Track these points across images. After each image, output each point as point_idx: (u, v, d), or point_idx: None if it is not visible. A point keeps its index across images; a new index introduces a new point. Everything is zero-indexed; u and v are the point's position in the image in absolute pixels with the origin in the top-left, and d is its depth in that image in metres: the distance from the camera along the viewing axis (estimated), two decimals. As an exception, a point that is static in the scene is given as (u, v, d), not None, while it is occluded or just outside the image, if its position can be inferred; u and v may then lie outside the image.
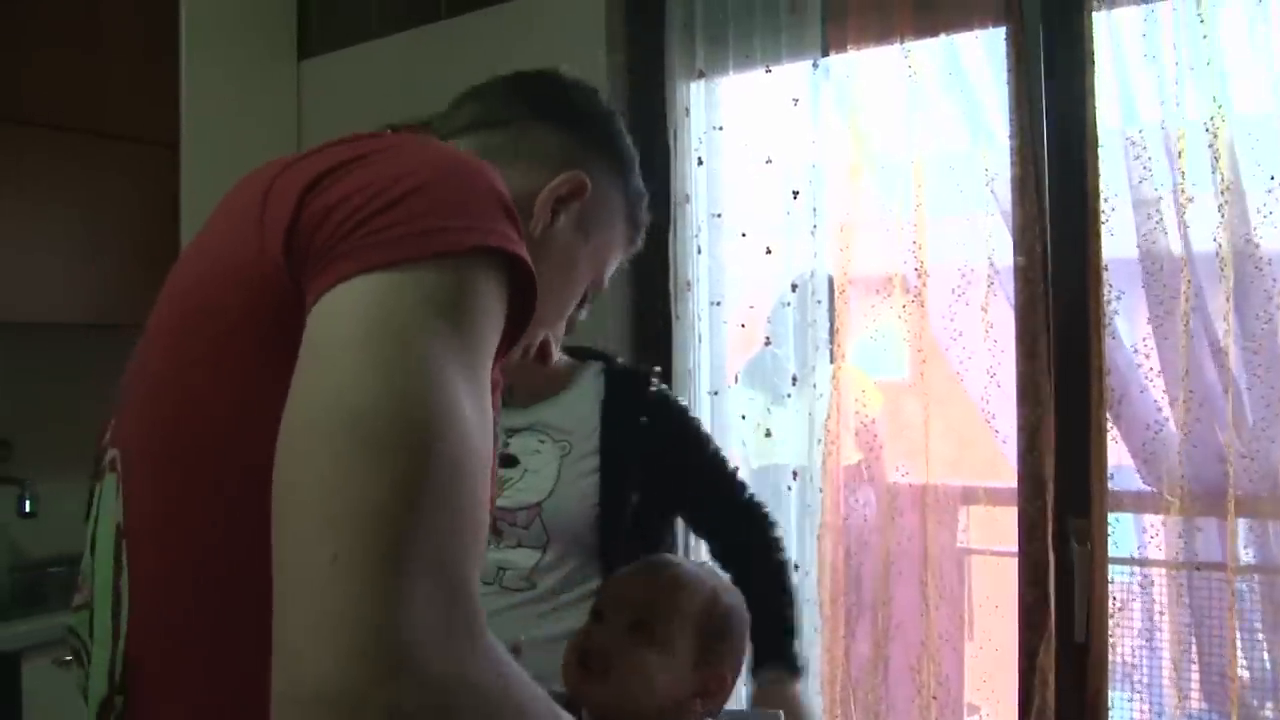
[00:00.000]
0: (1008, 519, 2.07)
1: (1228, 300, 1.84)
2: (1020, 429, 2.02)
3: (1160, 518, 1.95)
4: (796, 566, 2.26)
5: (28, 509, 2.61)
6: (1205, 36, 1.84)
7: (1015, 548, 2.05)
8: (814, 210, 2.25)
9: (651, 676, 1.26)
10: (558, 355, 1.09)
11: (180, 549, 0.73)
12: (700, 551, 2.02)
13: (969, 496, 2.20)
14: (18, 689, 2.15)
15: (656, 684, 1.27)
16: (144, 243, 2.66)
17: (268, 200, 0.73)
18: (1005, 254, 2.07)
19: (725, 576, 1.37)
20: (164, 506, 0.73)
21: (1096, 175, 1.93)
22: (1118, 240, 1.94)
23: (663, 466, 1.63)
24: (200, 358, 0.73)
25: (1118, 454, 1.98)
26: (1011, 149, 2.04)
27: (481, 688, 0.59)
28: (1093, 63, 1.93)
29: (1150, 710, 1.97)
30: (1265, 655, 1.85)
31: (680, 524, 2.38)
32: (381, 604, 0.56)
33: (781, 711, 1.41)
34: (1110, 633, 1.96)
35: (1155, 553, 1.98)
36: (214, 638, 0.72)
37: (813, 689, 2.24)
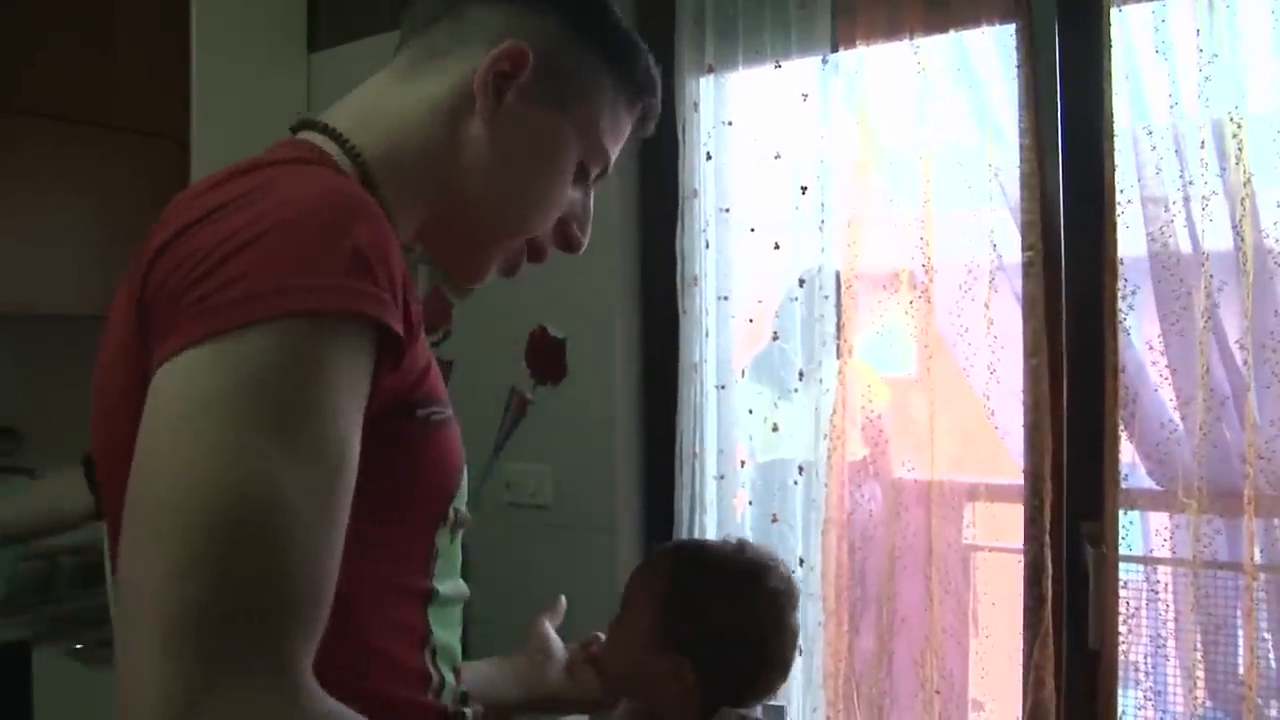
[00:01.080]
0: (1015, 516, 2.07)
1: (1248, 298, 1.83)
2: (1024, 426, 2.02)
3: (1171, 518, 1.94)
4: (802, 561, 2.27)
5: (37, 499, 2.63)
6: (1221, 32, 1.83)
7: (1021, 545, 2.05)
8: (822, 205, 2.25)
9: (612, 648, 1.33)
10: (585, 240, 1.04)
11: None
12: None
13: (975, 493, 2.20)
14: (28, 677, 2.16)
15: (615, 655, 1.33)
16: (154, 234, 2.66)
17: (139, 260, 0.75)
18: (1013, 250, 2.07)
19: (760, 560, 1.38)
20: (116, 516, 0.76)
21: (1113, 169, 1.92)
22: (1128, 238, 1.94)
23: None
24: (111, 429, 0.78)
25: (1126, 453, 1.97)
26: (1021, 145, 2.04)
27: None
28: (1110, 55, 1.92)
29: (1161, 713, 1.96)
30: (1271, 655, 1.85)
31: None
32: (174, 695, 0.58)
33: (785, 704, 1.41)
34: (1123, 636, 1.96)
35: (1165, 553, 1.97)
36: None
37: (816, 683, 2.25)
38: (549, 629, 1.34)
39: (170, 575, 0.60)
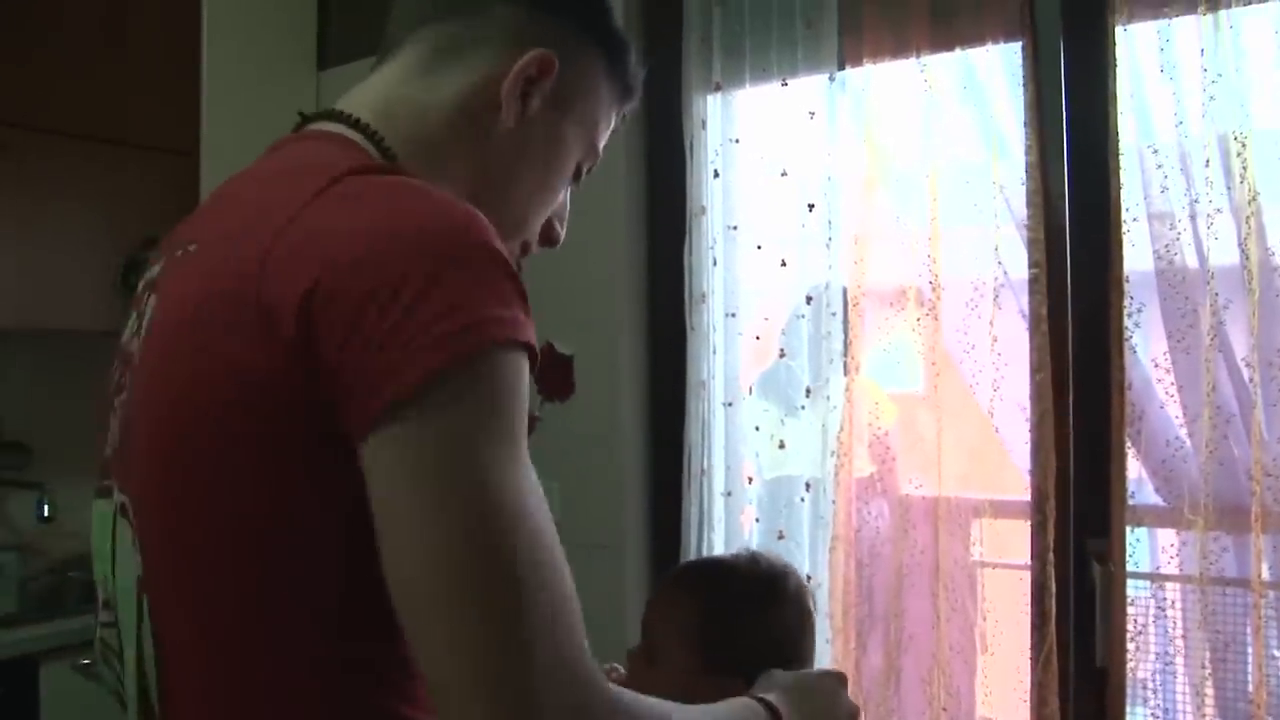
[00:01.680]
0: (1023, 532, 2.07)
1: (1254, 315, 1.83)
2: (1030, 443, 2.02)
3: (1178, 535, 1.94)
4: (809, 578, 2.27)
5: (46, 513, 2.64)
6: (1226, 51, 1.84)
7: (1028, 562, 2.05)
8: (829, 223, 2.26)
9: (649, 687, 1.30)
10: (563, 234, 1.04)
11: (195, 624, 0.75)
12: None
13: (982, 509, 2.20)
14: (36, 692, 2.16)
15: (657, 693, 1.30)
16: (164, 251, 2.68)
17: (264, 288, 0.69)
18: (1019, 267, 2.07)
19: (776, 566, 1.38)
20: (178, 578, 0.75)
21: (1118, 187, 1.93)
22: (1134, 255, 1.94)
23: None
24: (208, 450, 0.71)
25: (1133, 470, 1.97)
26: (1027, 162, 2.05)
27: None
28: (1114, 73, 1.93)
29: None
30: (1281, 673, 1.84)
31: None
32: (519, 708, 0.63)
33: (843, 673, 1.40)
34: (1130, 654, 1.95)
35: (1172, 570, 1.97)
36: (236, 703, 0.74)
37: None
38: None
39: (472, 626, 0.63)
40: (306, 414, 0.69)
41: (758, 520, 2.41)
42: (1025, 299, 2.05)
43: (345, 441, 0.68)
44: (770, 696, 0.95)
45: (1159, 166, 1.91)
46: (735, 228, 2.41)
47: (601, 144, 1.00)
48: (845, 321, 2.25)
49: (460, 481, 0.65)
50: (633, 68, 1.00)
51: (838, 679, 1.10)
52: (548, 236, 1.01)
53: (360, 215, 0.71)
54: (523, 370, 0.69)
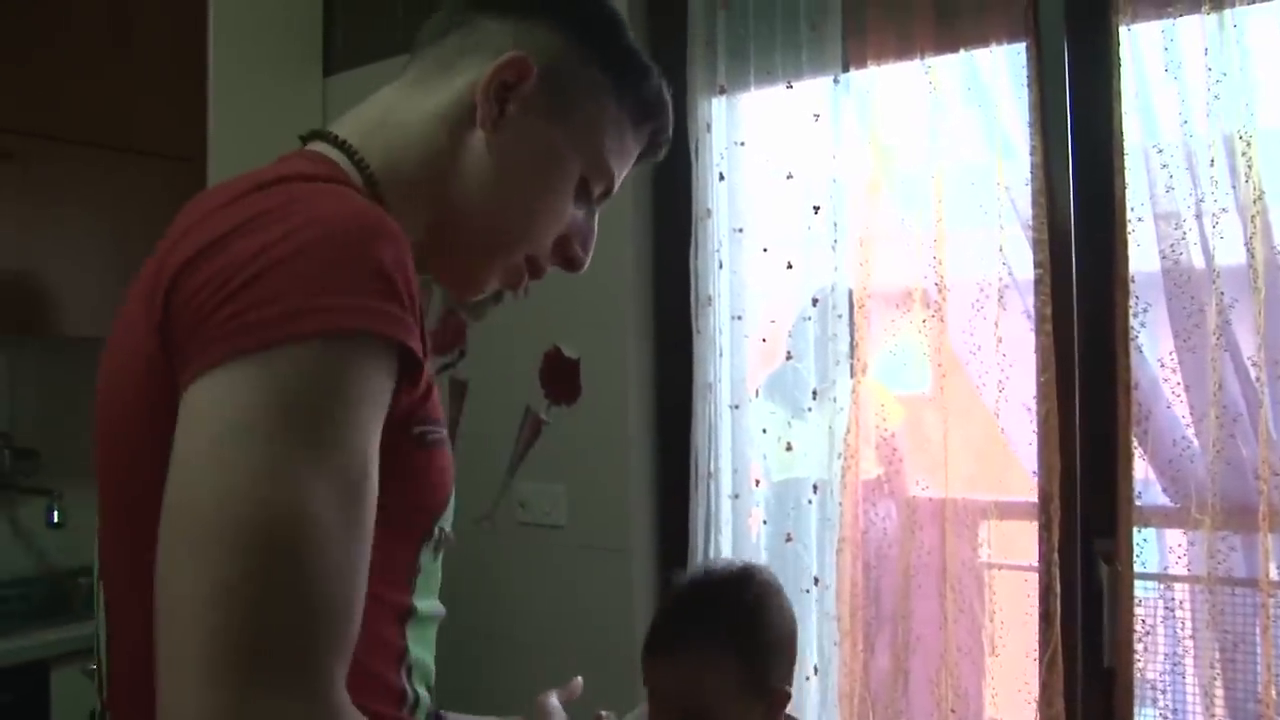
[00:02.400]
0: (1031, 533, 2.07)
1: (1260, 314, 1.83)
2: (1036, 443, 2.02)
3: (1186, 535, 1.94)
4: (817, 580, 2.27)
5: (56, 519, 2.65)
6: (1231, 50, 1.84)
7: (1036, 564, 2.05)
8: (835, 225, 2.26)
9: None
10: (587, 259, 1.03)
11: (124, 604, 0.80)
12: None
13: (990, 511, 2.20)
14: (47, 696, 2.17)
15: None
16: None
17: (159, 275, 0.74)
18: (1025, 268, 2.07)
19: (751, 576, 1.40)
20: (116, 564, 0.81)
21: (1123, 187, 1.93)
22: (1139, 255, 1.94)
23: None
24: (120, 439, 0.78)
25: (1139, 470, 1.97)
26: (1032, 163, 2.05)
27: None
28: (1119, 72, 1.93)
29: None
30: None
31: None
32: (213, 706, 0.60)
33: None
34: (1137, 655, 1.95)
35: (1180, 570, 1.97)
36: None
37: (831, 703, 2.24)
38: (555, 704, 1.27)
39: (209, 598, 0.61)
40: (171, 395, 0.70)
41: (765, 522, 2.41)
42: (1031, 299, 2.05)
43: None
44: None
45: (1164, 166, 1.91)
46: (741, 230, 2.41)
47: (619, 166, 0.99)
48: (851, 323, 2.25)
49: (245, 455, 0.64)
50: (651, 87, 0.98)
51: None
52: (565, 256, 1.00)
53: (252, 207, 0.73)
54: (353, 362, 0.69)
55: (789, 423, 2.37)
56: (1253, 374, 1.85)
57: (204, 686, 0.60)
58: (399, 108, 0.92)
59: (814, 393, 2.30)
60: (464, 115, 0.90)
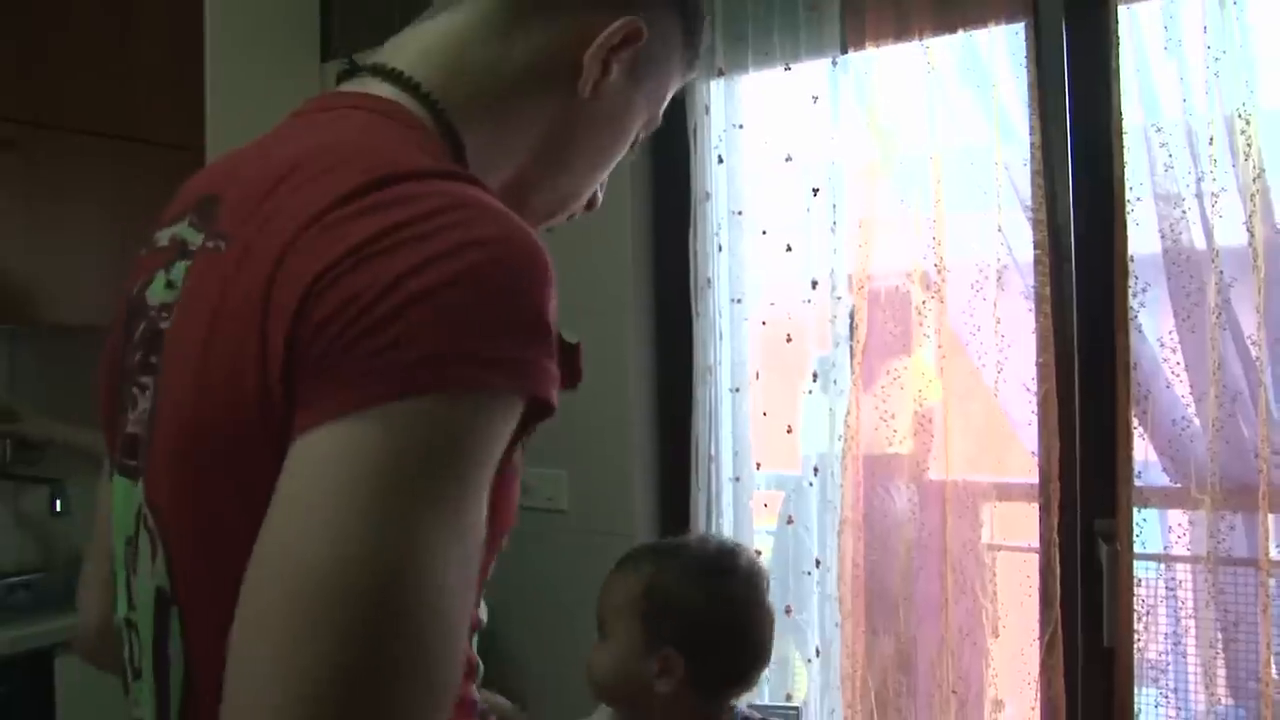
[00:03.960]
0: (1034, 515, 2.07)
1: (1260, 293, 1.83)
2: (1036, 424, 2.03)
3: (1187, 515, 1.95)
4: (819, 562, 2.27)
5: (59, 508, 2.65)
6: (1231, 28, 1.83)
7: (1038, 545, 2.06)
8: (834, 207, 2.26)
9: (600, 668, 1.36)
10: (601, 198, 0.97)
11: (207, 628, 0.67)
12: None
13: (991, 493, 2.20)
14: (51, 684, 2.18)
15: (606, 673, 1.36)
16: (171, 245, 2.69)
17: (275, 283, 0.62)
18: (1024, 248, 2.07)
19: (728, 546, 1.42)
20: (213, 592, 0.64)
21: (1122, 165, 1.93)
22: (1139, 235, 1.94)
23: None
24: (217, 462, 0.65)
25: (1140, 450, 1.97)
26: (1031, 143, 2.04)
27: None
28: (1118, 51, 1.93)
29: (1179, 712, 1.96)
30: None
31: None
32: None
33: (801, 704, 1.43)
34: (1137, 634, 1.95)
35: (1182, 550, 1.97)
36: None
37: (833, 684, 2.25)
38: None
39: (309, 674, 0.53)
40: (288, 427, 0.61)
41: (766, 505, 2.42)
42: (1030, 280, 2.05)
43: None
44: None
45: (1163, 145, 1.91)
46: (740, 213, 2.41)
47: (661, 111, 0.94)
48: (851, 305, 2.25)
49: (369, 516, 0.56)
50: (702, 38, 0.94)
51: None
52: (590, 204, 0.95)
53: (380, 218, 0.62)
54: (497, 420, 0.61)
55: (789, 405, 2.37)
56: (1253, 353, 1.85)
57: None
58: (478, 53, 0.80)
59: (814, 375, 2.30)
60: (563, 72, 0.82)
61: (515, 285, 0.62)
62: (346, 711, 0.53)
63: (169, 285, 0.73)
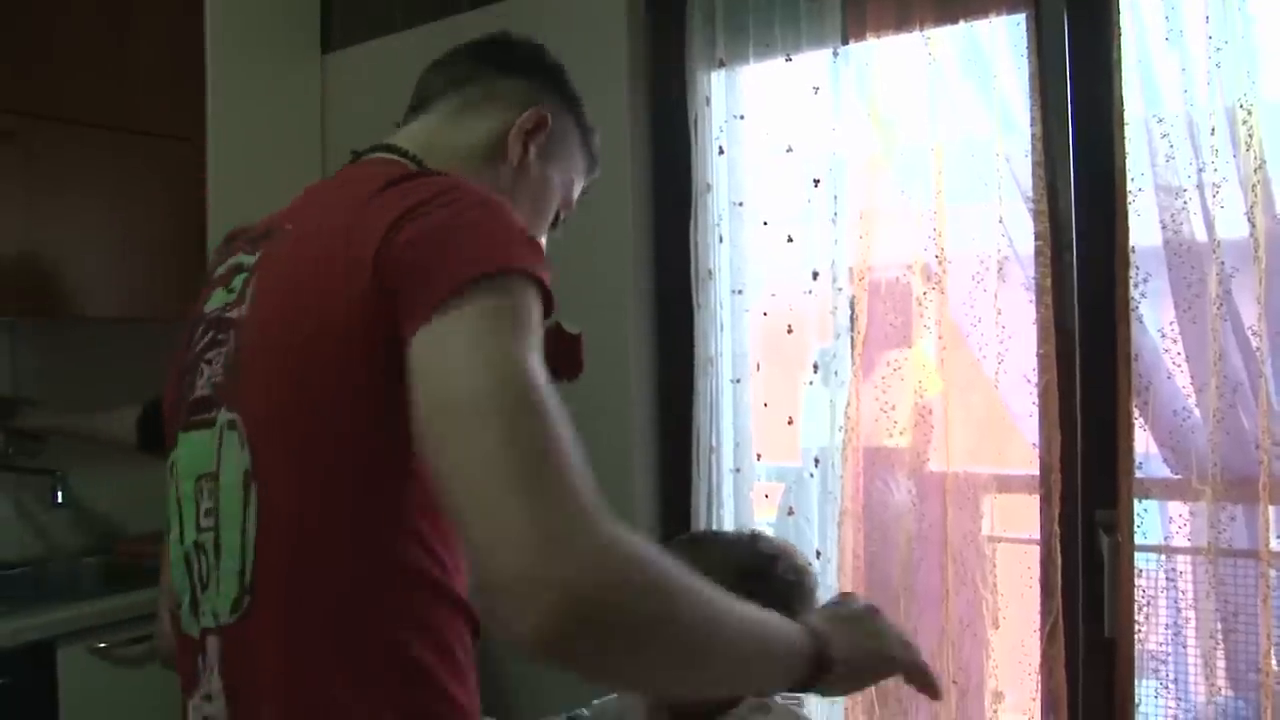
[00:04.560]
0: (1034, 507, 2.08)
1: (1260, 285, 1.83)
2: (1037, 415, 2.03)
3: (1187, 506, 1.95)
4: (819, 554, 2.28)
5: (60, 499, 2.66)
6: (1232, 18, 1.83)
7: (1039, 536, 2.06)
8: (835, 198, 2.26)
9: None
10: None
11: (299, 495, 0.94)
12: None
13: (994, 484, 2.20)
14: (54, 675, 2.19)
15: None
16: (172, 237, 2.69)
17: (352, 229, 0.93)
18: (1025, 240, 2.07)
19: (771, 549, 1.40)
20: (287, 462, 0.95)
21: (1124, 157, 1.93)
22: (1140, 227, 1.94)
23: None
24: (313, 360, 0.93)
25: (1141, 441, 1.97)
26: (1032, 135, 2.04)
27: (634, 555, 0.78)
28: (1119, 42, 1.93)
29: (1179, 702, 1.96)
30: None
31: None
32: (543, 510, 0.75)
33: (803, 697, 1.42)
34: (1138, 625, 1.96)
35: (1182, 541, 1.97)
36: (323, 555, 0.94)
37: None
38: None
39: (502, 443, 0.78)
40: (385, 335, 0.88)
41: (766, 496, 2.42)
42: (1031, 271, 2.05)
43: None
44: (814, 620, 0.99)
45: (1164, 136, 1.90)
46: (741, 204, 2.41)
47: (575, 201, 1.28)
48: (852, 297, 2.25)
49: (495, 349, 0.83)
50: (597, 148, 1.29)
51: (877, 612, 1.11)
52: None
53: (420, 191, 0.94)
54: (535, 297, 0.89)
55: (790, 396, 2.37)
56: (1254, 344, 1.85)
57: (525, 502, 0.75)
58: (442, 139, 1.16)
59: (815, 366, 2.30)
60: (497, 150, 1.17)
61: (514, 220, 0.94)
62: (539, 458, 0.78)
63: (229, 291, 1.04)
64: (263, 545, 0.95)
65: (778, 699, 1.42)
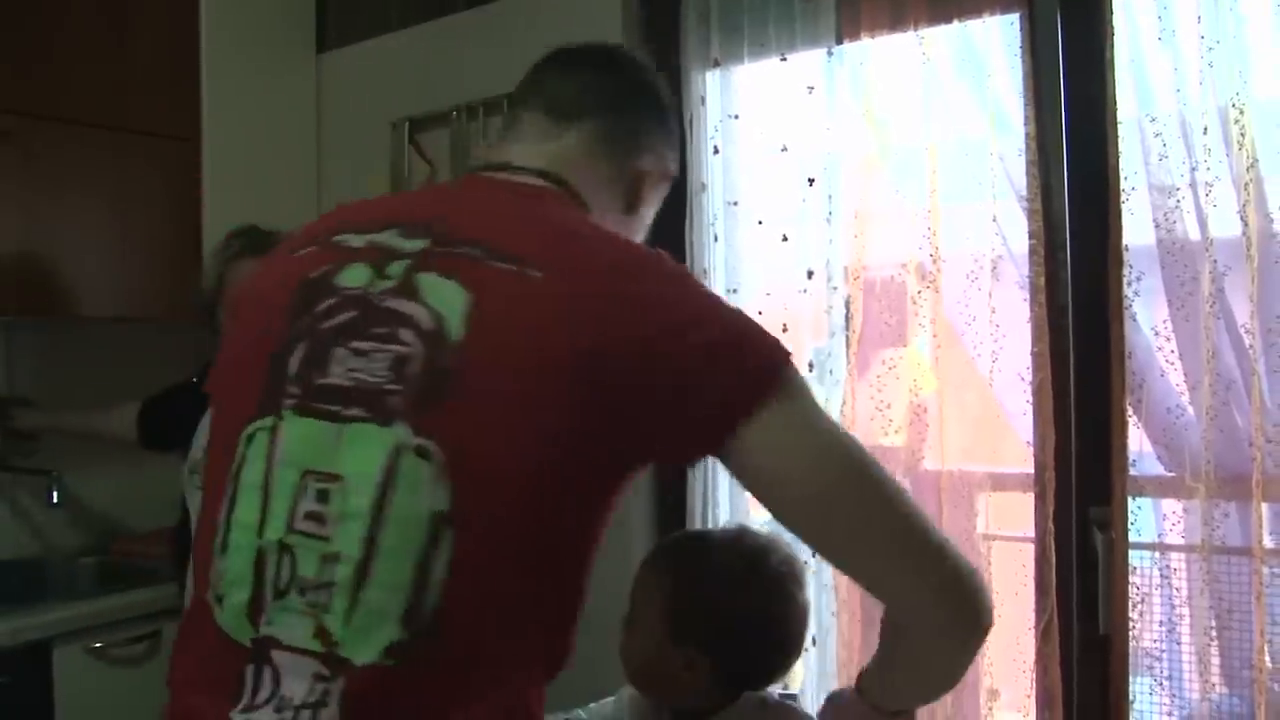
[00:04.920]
0: (1028, 506, 2.08)
1: (1253, 283, 1.84)
2: (1032, 413, 2.03)
3: (1181, 503, 1.95)
4: (815, 553, 2.28)
5: (55, 499, 2.66)
6: (1224, 18, 1.83)
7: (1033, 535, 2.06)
8: (830, 197, 2.26)
9: (627, 653, 1.35)
10: None
11: (504, 558, 0.93)
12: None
13: (988, 482, 2.20)
14: (49, 675, 2.19)
15: (633, 659, 1.35)
16: (168, 237, 2.69)
17: (596, 343, 0.93)
18: (1019, 239, 2.08)
19: (759, 545, 1.40)
20: (501, 525, 0.93)
21: (1117, 156, 1.93)
22: (1132, 226, 1.94)
23: None
24: (558, 434, 0.93)
25: (1135, 439, 1.97)
26: (1026, 134, 2.05)
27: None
28: (1112, 41, 1.93)
29: (1173, 699, 1.96)
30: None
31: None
32: (953, 565, 0.98)
33: (799, 692, 1.43)
34: (1132, 623, 1.96)
35: (1176, 539, 1.98)
36: (504, 626, 0.95)
37: (829, 673, 2.26)
38: None
39: (892, 516, 0.98)
40: (612, 442, 0.95)
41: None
42: (1025, 270, 2.06)
43: (639, 460, 0.99)
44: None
45: (1157, 135, 1.91)
46: (735, 204, 2.41)
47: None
48: (847, 296, 2.26)
49: (825, 428, 0.99)
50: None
51: None
52: None
53: (668, 290, 0.99)
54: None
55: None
56: (1246, 342, 1.86)
57: (937, 558, 0.97)
58: (582, 168, 1.16)
59: (810, 365, 2.30)
60: (628, 199, 1.21)
61: (739, 311, 1.05)
62: (917, 523, 1.00)
63: (382, 276, 0.98)
64: (453, 598, 0.91)
65: (775, 695, 1.43)
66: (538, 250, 0.98)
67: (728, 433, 0.93)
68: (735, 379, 0.94)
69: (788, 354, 0.98)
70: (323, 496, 0.93)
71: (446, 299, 0.95)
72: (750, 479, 0.98)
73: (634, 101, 1.23)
